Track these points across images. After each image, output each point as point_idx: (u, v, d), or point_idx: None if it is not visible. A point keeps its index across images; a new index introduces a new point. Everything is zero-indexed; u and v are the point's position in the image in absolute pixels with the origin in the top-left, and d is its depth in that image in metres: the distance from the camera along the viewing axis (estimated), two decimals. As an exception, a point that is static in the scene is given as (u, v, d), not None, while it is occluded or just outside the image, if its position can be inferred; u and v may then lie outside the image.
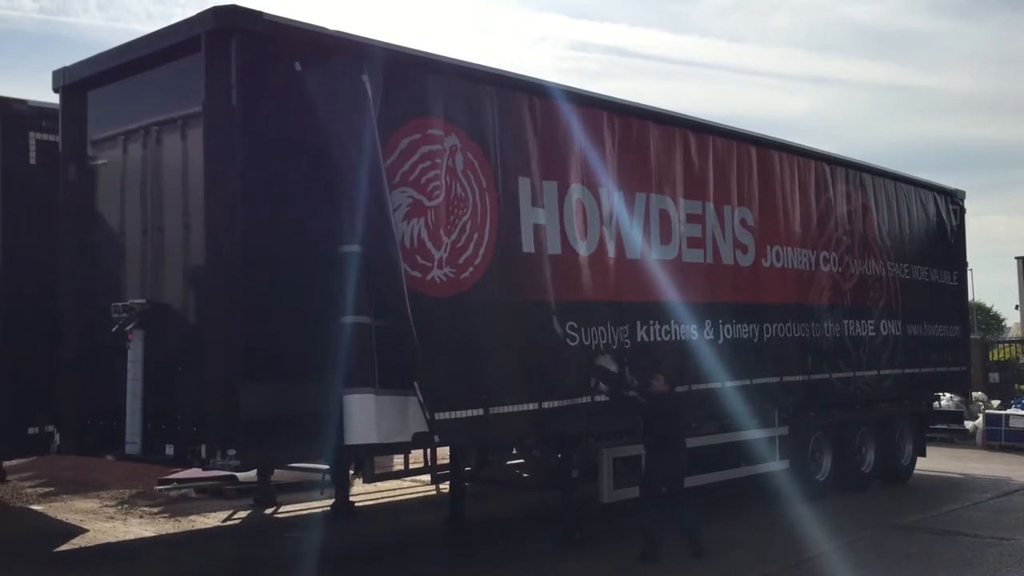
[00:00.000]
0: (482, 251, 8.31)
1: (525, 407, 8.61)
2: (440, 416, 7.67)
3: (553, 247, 8.96)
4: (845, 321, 12.91)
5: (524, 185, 8.75)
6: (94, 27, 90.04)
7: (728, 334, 10.92)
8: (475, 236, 8.26)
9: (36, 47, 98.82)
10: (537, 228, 8.81)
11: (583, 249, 9.28)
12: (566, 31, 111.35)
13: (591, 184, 9.42)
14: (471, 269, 8.20)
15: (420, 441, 7.91)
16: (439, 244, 7.94)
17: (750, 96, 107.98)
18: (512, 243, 8.60)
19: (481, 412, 8.19)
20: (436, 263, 7.91)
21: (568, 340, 9.01)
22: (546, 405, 8.76)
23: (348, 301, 7.18)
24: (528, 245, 8.73)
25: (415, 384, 7.34)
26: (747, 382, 11.07)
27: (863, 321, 13.29)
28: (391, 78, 7.65)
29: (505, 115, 8.66)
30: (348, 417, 7.13)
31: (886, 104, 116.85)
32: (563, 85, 9.48)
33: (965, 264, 16.40)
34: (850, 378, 12.93)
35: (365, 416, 7.17)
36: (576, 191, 9.22)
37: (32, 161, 9.71)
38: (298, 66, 7.22)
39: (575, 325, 9.06)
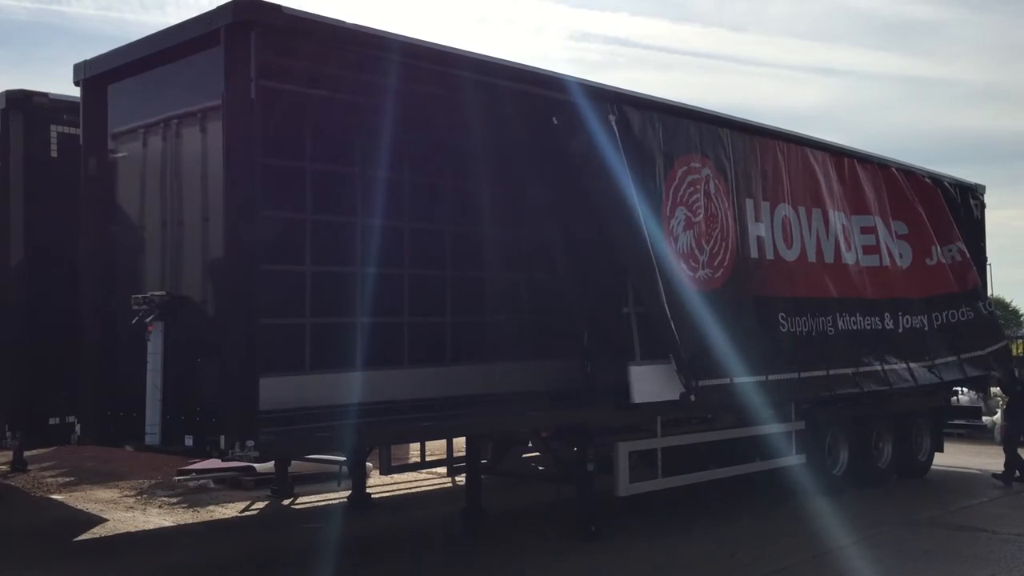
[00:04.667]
0: (728, 256, 10.43)
1: (757, 379, 10.43)
2: (703, 383, 9.57)
3: (769, 254, 11.12)
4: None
5: (750, 205, 10.93)
6: (86, 16, 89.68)
7: (908, 323, 13.10)
8: (723, 244, 10.40)
9: (29, 36, 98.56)
10: (759, 239, 10.98)
11: (789, 256, 11.45)
12: (565, 20, 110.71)
13: (793, 203, 11.64)
14: (721, 270, 10.32)
15: (683, 402, 9.61)
16: (701, 250, 10.07)
17: (756, 87, 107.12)
18: (745, 250, 10.74)
19: (728, 381, 9.98)
20: (701, 265, 10.04)
21: (780, 327, 11.03)
22: (771, 378, 10.64)
23: (628, 297, 9.67)
24: (754, 252, 10.90)
25: (670, 356, 9.32)
26: (928, 363, 13.19)
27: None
28: (668, 124, 9.94)
29: (737, 150, 10.83)
30: (631, 383, 9.33)
31: (895, 96, 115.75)
32: (774, 127, 11.81)
33: (985, 259, 16.31)
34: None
35: (641, 382, 9.37)
36: (783, 209, 11.45)
37: (53, 154, 9.79)
38: (555, 120, 8.97)
39: (785, 315, 11.09)
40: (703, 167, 10.26)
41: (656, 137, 9.76)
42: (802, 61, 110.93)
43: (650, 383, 9.47)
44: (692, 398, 9.48)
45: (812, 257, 11.78)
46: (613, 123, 9.25)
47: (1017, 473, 13.84)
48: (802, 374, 11.12)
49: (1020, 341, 27.25)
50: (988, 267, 16.56)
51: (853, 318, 12.13)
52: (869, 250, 12.74)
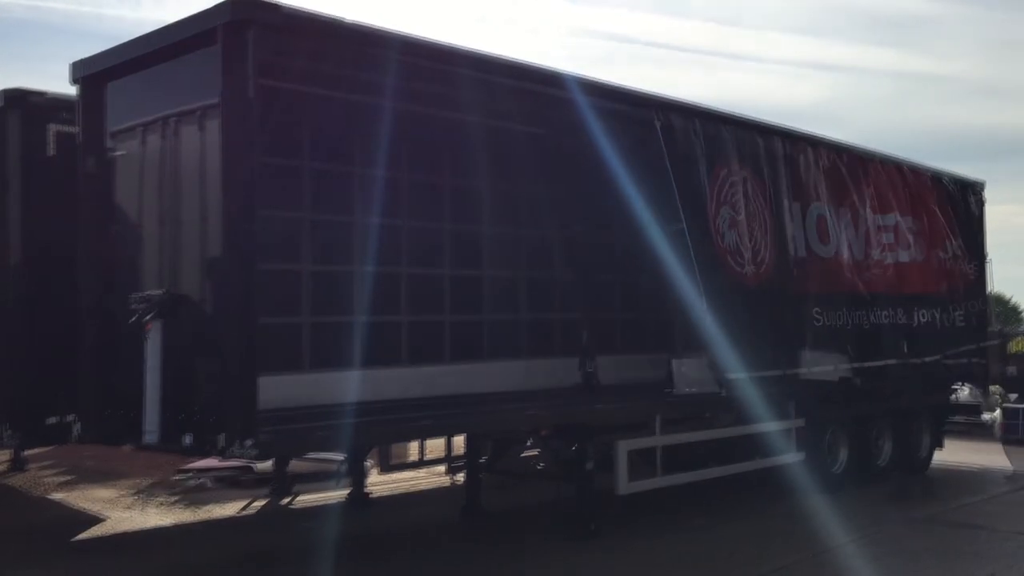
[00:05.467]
0: (768, 254, 11.03)
1: (795, 372, 11.13)
2: (736, 376, 10.10)
3: (802, 251, 11.66)
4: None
5: (786, 205, 11.44)
6: (83, 14, 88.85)
7: (923, 318, 13.67)
8: (763, 242, 10.97)
9: (26, 35, 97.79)
10: (795, 237, 11.56)
11: (825, 253, 12.09)
12: (564, 17, 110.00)
13: (826, 203, 12.22)
14: (763, 267, 10.93)
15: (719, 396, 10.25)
16: (746, 247, 10.67)
17: (756, 83, 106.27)
18: (783, 248, 11.29)
19: (780, 373, 10.72)
20: (747, 261, 10.64)
21: (816, 322, 11.67)
22: (810, 371, 11.37)
23: (676, 294, 10.04)
24: (792, 249, 11.46)
25: (703, 352, 9.99)
26: (940, 355, 13.95)
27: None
28: (708, 129, 10.44)
29: (771, 154, 11.37)
30: (674, 375, 10.05)
31: (895, 91, 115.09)
32: (805, 131, 12.29)
33: (985, 255, 16.31)
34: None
35: (682, 374, 10.09)
36: (816, 209, 12.03)
37: (51, 153, 9.75)
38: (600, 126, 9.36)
39: (820, 310, 11.70)
40: (740, 170, 10.84)
41: (699, 142, 10.28)
42: (801, 57, 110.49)
43: (691, 376, 10.10)
44: (722, 392, 10.03)
45: (845, 254, 12.36)
46: (659, 129, 9.77)
47: None
48: (839, 367, 11.83)
49: (1020, 338, 27.21)
50: (988, 263, 16.58)
51: (885, 312, 12.82)
52: (891, 247, 13.37)
